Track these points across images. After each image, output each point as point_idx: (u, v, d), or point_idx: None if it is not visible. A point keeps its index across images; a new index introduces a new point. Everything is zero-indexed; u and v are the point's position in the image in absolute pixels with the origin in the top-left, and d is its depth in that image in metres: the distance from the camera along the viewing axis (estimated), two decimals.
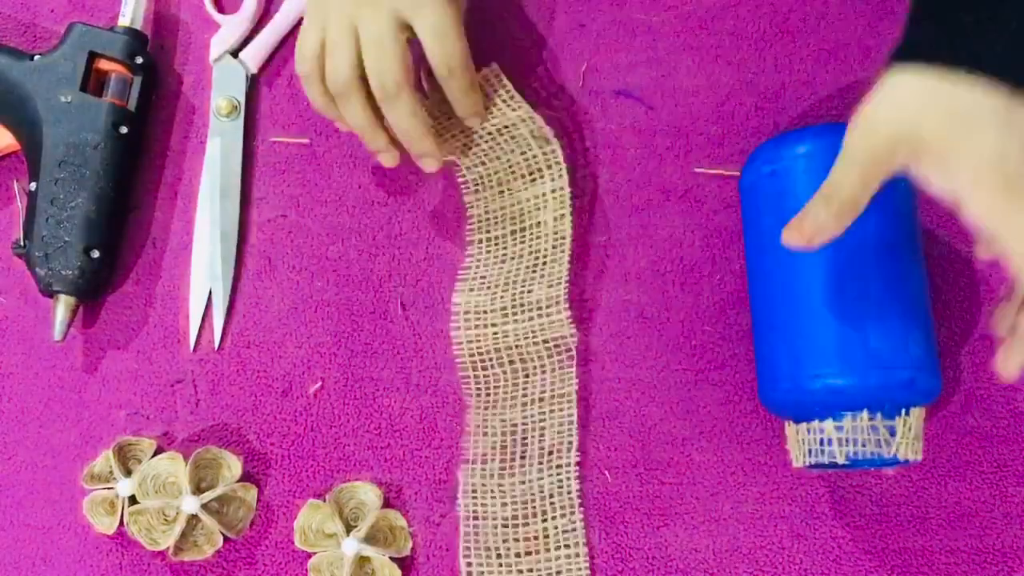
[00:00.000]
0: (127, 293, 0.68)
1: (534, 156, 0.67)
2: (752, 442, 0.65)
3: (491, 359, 0.65)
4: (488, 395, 0.65)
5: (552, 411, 0.64)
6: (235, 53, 0.72)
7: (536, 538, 0.63)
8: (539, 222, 0.66)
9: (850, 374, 0.57)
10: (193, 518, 0.62)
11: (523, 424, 0.64)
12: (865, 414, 0.57)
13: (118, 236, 0.68)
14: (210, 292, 0.67)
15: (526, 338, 0.65)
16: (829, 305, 0.58)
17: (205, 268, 0.68)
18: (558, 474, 0.63)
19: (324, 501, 0.63)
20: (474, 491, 0.63)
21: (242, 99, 0.71)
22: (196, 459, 0.63)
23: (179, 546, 0.62)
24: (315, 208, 0.70)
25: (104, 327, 0.67)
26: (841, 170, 0.49)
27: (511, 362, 0.65)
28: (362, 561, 0.62)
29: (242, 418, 0.66)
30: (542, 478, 0.63)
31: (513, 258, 0.66)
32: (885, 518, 0.63)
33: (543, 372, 0.65)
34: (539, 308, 0.65)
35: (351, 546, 0.61)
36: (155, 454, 0.64)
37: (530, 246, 0.66)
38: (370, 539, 0.62)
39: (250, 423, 0.66)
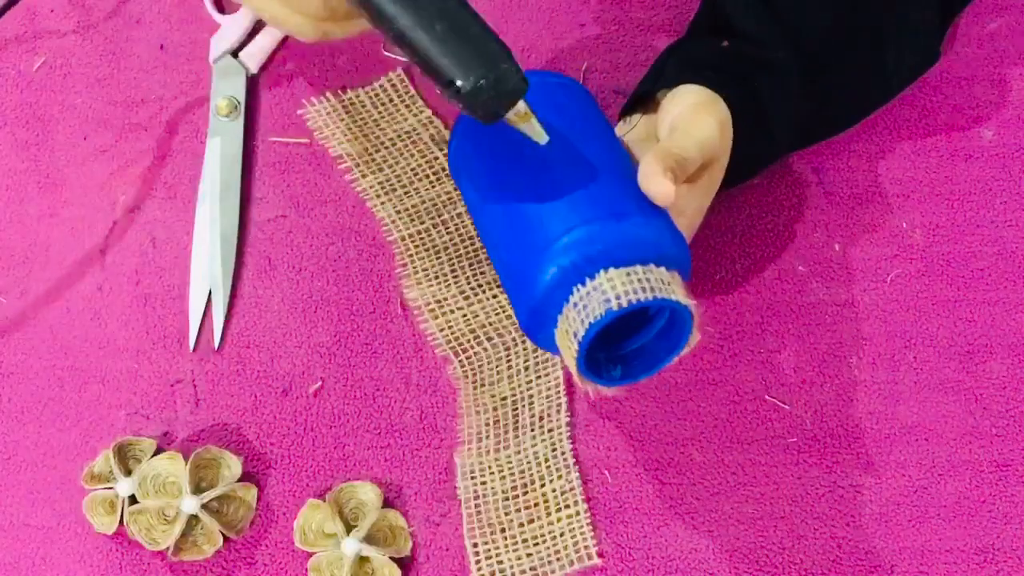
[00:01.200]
0: (127, 293, 0.68)
1: (435, 158, 0.70)
2: (752, 442, 0.65)
3: (469, 340, 0.66)
4: (475, 374, 0.65)
5: (539, 377, 0.65)
6: (235, 53, 0.72)
7: (536, 504, 0.63)
8: (459, 213, 0.68)
9: (564, 249, 0.54)
10: (193, 518, 0.62)
11: (512, 396, 0.65)
12: (602, 272, 0.54)
13: None
14: (210, 292, 0.67)
15: (496, 314, 0.66)
16: (525, 209, 0.57)
17: (205, 268, 0.68)
18: (550, 437, 0.64)
19: (324, 501, 0.63)
20: (472, 472, 0.63)
21: (242, 99, 0.71)
22: (196, 459, 0.63)
23: (179, 546, 0.62)
24: (315, 208, 0.70)
25: (104, 327, 0.67)
26: (691, 149, 0.58)
27: (489, 338, 0.66)
28: (362, 561, 0.62)
29: (242, 418, 0.66)
30: (535, 444, 0.64)
31: (446, 248, 0.68)
32: (885, 518, 0.63)
33: (524, 342, 0.65)
34: (499, 285, 0.66)
35: (351, 546, 0.61)
36: (155, 454, 0.64)
37: (459, 235, 0.68)
38: (370, 539, 0.62)
39: (250, 423, 0.65)
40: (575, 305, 0.54)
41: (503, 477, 0.63)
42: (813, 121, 0.66)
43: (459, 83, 0.51)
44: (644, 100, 0.64)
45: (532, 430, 0.64)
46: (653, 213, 0.56)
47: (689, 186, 0.60)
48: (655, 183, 0.55)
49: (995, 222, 0.69)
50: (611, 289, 0.53)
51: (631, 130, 0.63)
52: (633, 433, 0.65)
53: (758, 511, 0.64)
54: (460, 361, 0.65)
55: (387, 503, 0.64)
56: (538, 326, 0.57)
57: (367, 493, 0.63)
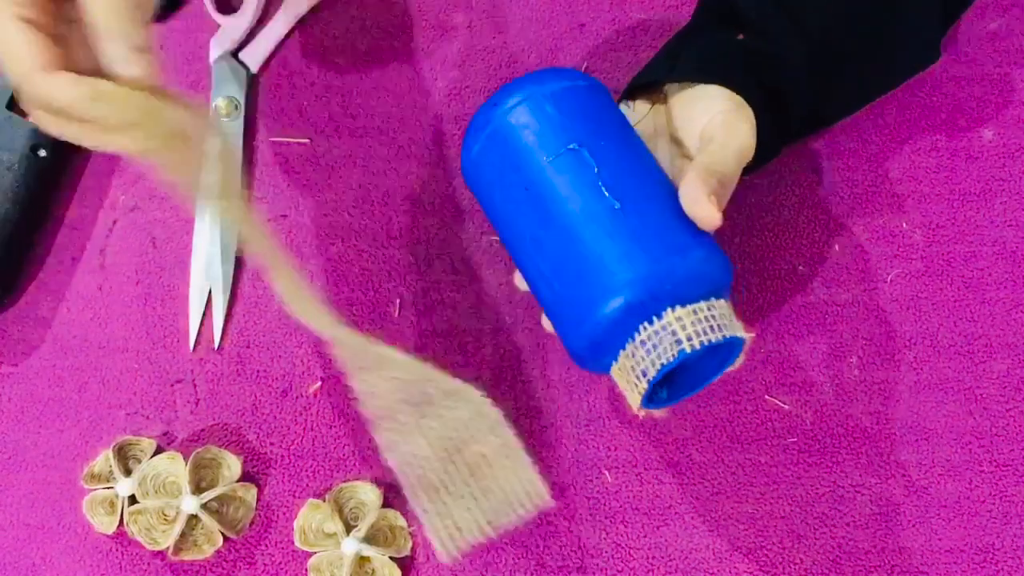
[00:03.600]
0: (126, 293, 0.68)
1: None
2: (752, 442, 0.65)
3: None
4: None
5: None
6: (235, 53, 0.72)
7: (475, 462, 0.62)
8: None
9: (630, 284, 0.53)
10: (193, 518, 0.62)
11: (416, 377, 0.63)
12: (669, 311, 0.53)
13: (15, 262, 0.67)
14: (210, 292, 0.67)
15: None
16: (581, 240, 0.55)
17: (205, 268, 0.68)
18: (469, 405, 0.61)
19: (324, 501, 0.63)
20: (396, 445, 0.61)
21: (242, 99, 0.71)
22: (196, 459, 0.63)
23: (179, 546, 0.62)
24: (315, 208, 0.70)
25: (103, 327, 0.67)
26: (729, 161, 0.57)
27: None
28: (362, 561, 0.62)
29: (242, 418, 0.66)
30: (455, 410, 0.61)
31: None
32: (885, 518, 0.63)
33: None
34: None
35: (351, 546, 0.61)
36: (155, 454, 0.64)
37: None
38: (370, 539, 0.62)
39: (250, 423, 0.66)
40: (643, 344, 0.53)
41: (431, 444, 0.62)
42: (813, 115, 0.66)
43: None
44: (649, 88, 0.63)
45: (446, 400, 0.63)
46: (709, 244, 0.55)
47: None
48: (702, 209, 0.54)
49: (995, 222, 0.69)
50: (681, 330, 0.53)
51: (639, 121, 0.62)
52: (633, 433, 0.65)
53: (758, 511, 0.64)
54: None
55: (387, 503, 0.64)
56: (595, 357, 0.56)
57: (367, 493, 0.63)
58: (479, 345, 0.67)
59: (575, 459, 0.64)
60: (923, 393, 0.66)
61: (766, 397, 0.66)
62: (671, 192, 0.56)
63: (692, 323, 0.53)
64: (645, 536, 0.63)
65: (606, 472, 0.64)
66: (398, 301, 0.68)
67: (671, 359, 0.52)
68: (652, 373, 0.53)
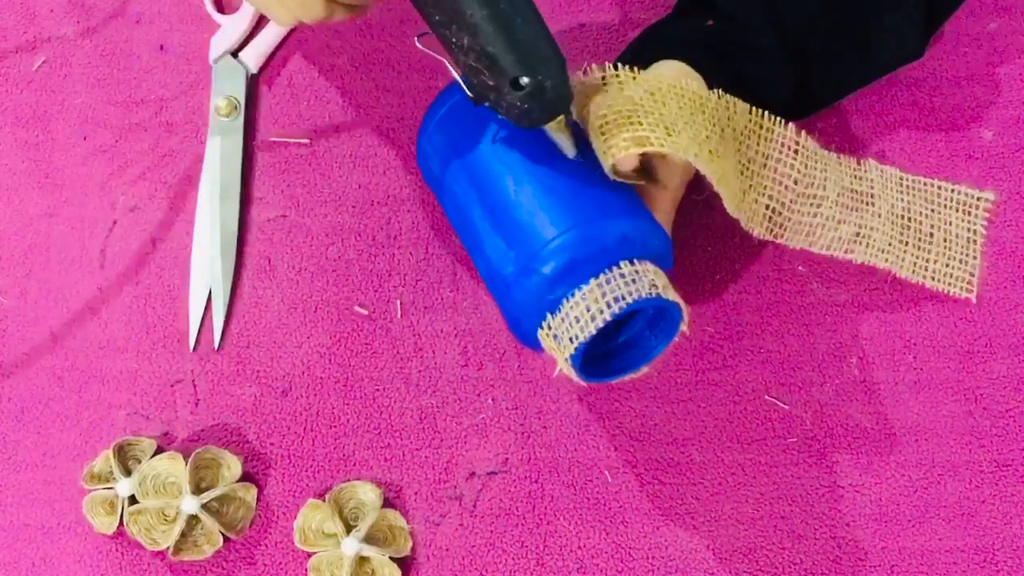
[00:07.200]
0: (127, 293, 0.68)
1: None
2: (752, 442, 0.65)
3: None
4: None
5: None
6: (235, 53, 0.72)
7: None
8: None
9: (563, 248, 0.54)
10: (193, 518, 0.62)
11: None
12: (602, 275, 0.54)
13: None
14: (210, 292, 0.67)
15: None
16: (509, 216, 0.56)
17: (205, 268, 0.68)
18: None
19: (324, 501, 0.63)
20: None
21: (242, 99, 0.71)
22: (196, 459, 0.63)
23: (179, 546, 0.62)
24: (315, 208, 0.70)
25: (104, 327, 0.67)
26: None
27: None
28: (362, 561, 0.62)
29: (242, 418, 0.66)
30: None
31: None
32: (885, 518, 0.63)
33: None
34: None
35: (351, 546, 0.61)
36: (155, 454, 0.64)
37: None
38: (370, 539, 0.62)
39: (250, 423, 0.66)
40: (565, 317, 0.54)
41: None
42: (789, 102, 0.65)
43: (524, 80, 0.51)
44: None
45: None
46: (634, 211, 0.56)
47: (671, 159, 0.59)
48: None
49: (995, 222, 0.69)
50: (601, 297, 0.53)
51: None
52: (633, 433, 0.65)
53: (758, 511, 0.64)
54: None
55: (387, 503, 0.64)
56: (530, 328, 0.57)
57: (367, 493, 0.63)
58: (479, 345, 0.67)
59: (575, 459, 0.64)
60: (923, 393, 0.66)
61: (766, 397, 0.66)
62: (594, 164, 0.56)
63: (614, 288, 0.53)
64: (645, 536, 0.63)
65: (606, 472, 0.64)
66: (399, 302, 0.68)
67: (588, 335, 0.53)
68: (582, 337, 0.53)
